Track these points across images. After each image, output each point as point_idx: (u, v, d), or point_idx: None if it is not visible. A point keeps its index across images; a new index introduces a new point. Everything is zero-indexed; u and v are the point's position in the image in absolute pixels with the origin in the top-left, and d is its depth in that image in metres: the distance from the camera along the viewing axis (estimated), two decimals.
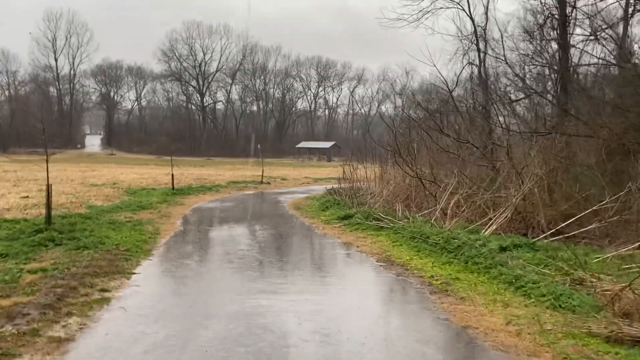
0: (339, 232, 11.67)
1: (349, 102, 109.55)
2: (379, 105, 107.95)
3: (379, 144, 18.52)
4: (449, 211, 10.66)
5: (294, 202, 20.96)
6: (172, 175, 24.79)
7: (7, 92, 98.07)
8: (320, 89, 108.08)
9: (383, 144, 24.16)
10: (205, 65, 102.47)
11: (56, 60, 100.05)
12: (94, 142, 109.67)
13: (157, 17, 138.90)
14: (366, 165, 23.61)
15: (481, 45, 23.08)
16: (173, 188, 23.78)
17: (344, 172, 23.52)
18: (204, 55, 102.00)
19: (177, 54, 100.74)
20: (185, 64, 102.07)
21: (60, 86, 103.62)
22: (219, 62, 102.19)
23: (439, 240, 9.00)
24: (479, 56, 22.87)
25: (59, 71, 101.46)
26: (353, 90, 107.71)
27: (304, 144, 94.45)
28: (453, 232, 9.20)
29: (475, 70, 23.73)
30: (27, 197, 18.17)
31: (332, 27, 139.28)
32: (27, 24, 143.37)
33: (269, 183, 32.74)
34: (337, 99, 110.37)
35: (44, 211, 13.98)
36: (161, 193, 22.15)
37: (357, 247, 9.77)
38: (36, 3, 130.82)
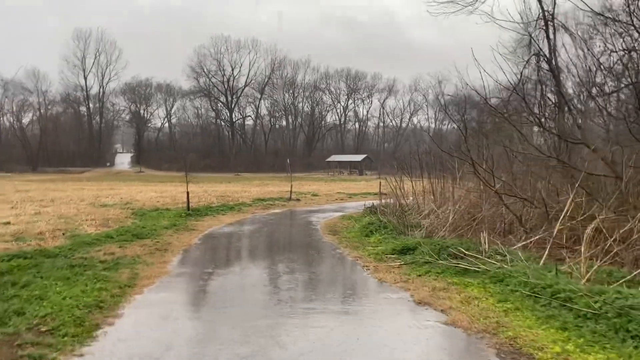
0: (400, 278, 7.80)
1: (380, 114, 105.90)
2: (410, 117, 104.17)
3: (444, 151, 14.52)
4: (583, 248, 6.69)
5: (328, 224, 17.24)
6: (188, 194, 21.40)
7: (38, 112, 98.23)
8: (350, 101, 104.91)
9: (435, 151, 20.37)
10: (233, 81, 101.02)
11: (85, 78, 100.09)
12: (124, 160, 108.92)
13: (186, 34, 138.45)
14: (412, 178, 19.88)
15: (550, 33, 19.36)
16: (188, 209, 20.40)
17: (380, 185, 19.78)
18: (232, 70, 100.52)
19: (205, 69, 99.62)
20: (214, 80, 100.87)
21: (91, 105, 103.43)
22: (248, 77, 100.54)
23: (601, 308, 5.06)
24: (549, 45, 18.96)
25: (88, 90, 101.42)
26: (384, 102, 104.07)
27: (334, 158, 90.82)
28: (633, 298, 5.16)
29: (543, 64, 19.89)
30: (9, 223, 15.01)
31: (361, 39, 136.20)
32: (56, 43, 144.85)
33: (298, 200, 29.16)
34: (367, 112, 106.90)
35: (2, 246, 10.72)
36: (174, 215, 18.78)
37: (443, 311, 5.85)
38: (65, 22, 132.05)
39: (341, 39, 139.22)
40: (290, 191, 29.69)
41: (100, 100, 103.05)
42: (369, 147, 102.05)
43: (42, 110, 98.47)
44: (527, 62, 19.31)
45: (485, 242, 8.57)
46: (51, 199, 25.64)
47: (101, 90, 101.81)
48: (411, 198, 19.24)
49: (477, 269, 7.49)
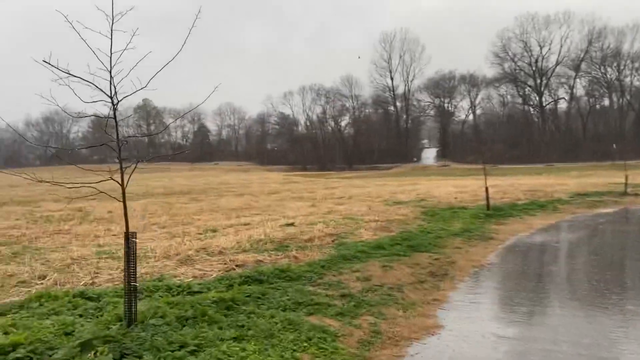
0: None
1: None
2: None
3: None
4: None
5: None
6: (487, 190, 17.69)
7: (352, 115, 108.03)
8: None
9: None
10: (542, 61, 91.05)
11: (392, 79, 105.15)
12: (429, 155, 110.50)
13: (489, 19, 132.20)
14: None
15: None
16: (488, 208, 16.75)
17: None
18: (541, 49, 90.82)
19: (510, 53, 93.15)
20: (519, 63, 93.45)
21: (398, 103, 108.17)
22: (559, 55, 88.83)
23: None
24: None
25: (395, 89, 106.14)
26: None
27: None
28: None
29: None
30: (292, 224, 14.15)
31: None
32: (364, 50, 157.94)
33: (637, 194, 22.07)
34: None
35: (256, 258, 8.92)
36: (470, 215, 15.49)
37: None
38: (375, 29, 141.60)
39: None
40: (625, 183, 22.75)
41: (406, 98, 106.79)
42: None
43: (355, 113, 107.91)
44: None
45: None
46: (350, 196, 25.31)
47: (406, 88, 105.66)
48: None
49: None
